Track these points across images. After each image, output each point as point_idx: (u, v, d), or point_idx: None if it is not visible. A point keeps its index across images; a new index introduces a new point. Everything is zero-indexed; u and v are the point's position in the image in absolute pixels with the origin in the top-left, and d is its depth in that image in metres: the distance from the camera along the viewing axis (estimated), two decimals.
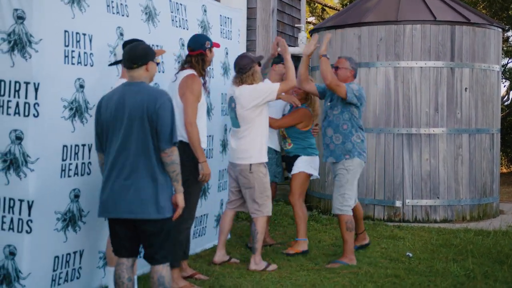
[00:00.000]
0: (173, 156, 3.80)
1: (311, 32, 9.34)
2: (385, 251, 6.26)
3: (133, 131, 3.75)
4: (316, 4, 17.98)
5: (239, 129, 5.49)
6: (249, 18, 9.73)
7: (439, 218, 7.92)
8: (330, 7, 17.96)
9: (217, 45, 5.06)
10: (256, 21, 9.74)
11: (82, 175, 4.43)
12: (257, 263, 5.52)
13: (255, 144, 5.44)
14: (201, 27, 5.87)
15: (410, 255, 6.06)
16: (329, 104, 5.78)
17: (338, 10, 15.08)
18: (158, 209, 3.78)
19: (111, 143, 3.82)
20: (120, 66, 4.75)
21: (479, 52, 8.17)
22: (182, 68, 4.94)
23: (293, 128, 6.16)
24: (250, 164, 5.45)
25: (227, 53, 6.34)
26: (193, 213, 5.03)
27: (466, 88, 8.07)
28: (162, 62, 5.08)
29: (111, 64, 4.63)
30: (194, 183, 4.88)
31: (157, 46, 5.12)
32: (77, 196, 4.39)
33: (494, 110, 8.41)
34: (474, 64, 8.11)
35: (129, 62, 3.82)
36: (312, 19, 19.71)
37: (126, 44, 4.33)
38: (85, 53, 4.39)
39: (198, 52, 4.90)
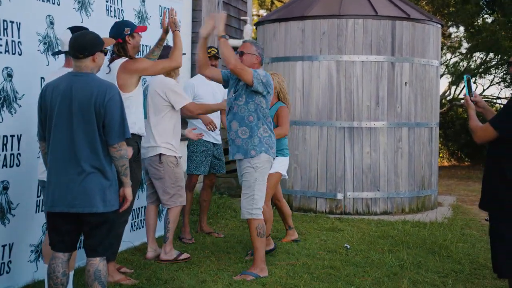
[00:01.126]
0: (122, 150, 3.77)
1: (256, 25, 9.35)
2: (324, 243, 6.32)
3: (80, 124, 3.66)
4: None
5: (146, 120, 5.49)
6: (195, 9, 9.67)
7: (379, 211, 8.05)
8: (279, 1, 18.01)
9: (142, 29, 4.94)
10: (202, 12, 9.68)
11: (11, 166, 4.31)
12: (167, 252, 5.51)
13: (164, 135, 5.46)
14: (138, 17, 5.79)
15: (348, 246, 6.14)
16: (233, 94, 5.14)
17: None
18: (105, 203, 3.73)
19: (55, 133, 3.71)
20: (50, 55, 4.64)
21: (419, 47, 8.33)
22: (112, 59, 4.86)
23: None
24: (160, 154, 5.45)
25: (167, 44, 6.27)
26: (130, 206, 4.97)
27: (406, 83, 8.21)
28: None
29: (55, 53, 4.52)
30: (131, 176, 4.82)
31: None
32: (5, 188, 4.28)
33: (433, 104, 8.59)
34: (414, 59, 8.25)
35: (75, 51, 3.71)
36: (262, 11, 19.74)
37: (75, 30, 4.17)
38: (13, 41, 4.27)
39: (117, 41, 4.81)
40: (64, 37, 4.22)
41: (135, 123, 4.75)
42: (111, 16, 5.38)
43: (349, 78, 8.07)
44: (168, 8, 6.34)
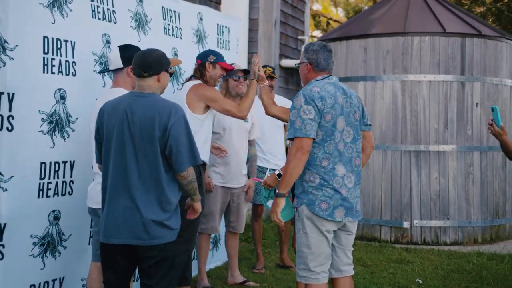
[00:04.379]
0: (189, 176, 3.43)
1: None
2: (393, 277, 5.84)
3: (141, 149, 3.35)
4: (321, 17, 17.68)
5: None
6: (251, 29, 9.40)
7: (449, 240, 7.50)
8: (335, 21, 17.67)
9: (226, 66, 4.75)
10: (258, 32, 9.41)
11: (62, 195, 4.04)
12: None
13: None
14: (197, 36, 5.51)
15: (420, 281, 5.64)
16: None
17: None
18: (165, 233, 3.38)
19: (113, 157, 3.40)
20: (107, 75, 4.38)
21: (491, 65, 7.80)
22: (189, 79, 4.76)
23: None
24: None
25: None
26: (195, 234, 4.72)
27: (477, 103, 7.68)
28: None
29: (100, 72, 4.26)
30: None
31: None
32: (57, 218, 4.00)
33: (506, 126, 8.01)
34: (485, 78, 7.73)
35: (139, 69, 3.41)
36: (317, 33, 19.42)
37: (123, 49, 3.95)
38: (66, 61, 4.02)
39: (197, 63, 4.75)
40: (112, 55, 3.95)
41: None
42: (169, 35, 5.11)
43: (415, 99, 7.60)
44: (226, 27, 6.07)
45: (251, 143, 5.45)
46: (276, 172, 4.22)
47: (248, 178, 5.39)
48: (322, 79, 3.78)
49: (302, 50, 4.00)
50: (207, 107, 4.59)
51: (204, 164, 4.60)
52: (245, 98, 4.65)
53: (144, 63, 3.42)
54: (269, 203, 4.35)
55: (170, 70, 3.55)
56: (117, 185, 3.38)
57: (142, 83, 3.45)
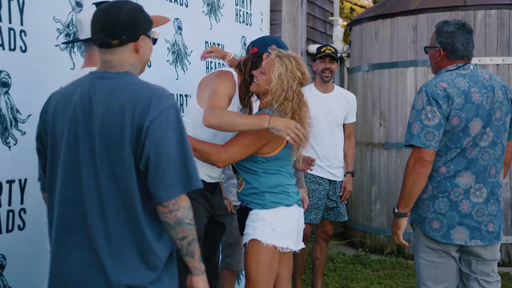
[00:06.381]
0: (178, 212, 2.04)
1: (350, 25, 7.64)
2: None
3: (105, 163, 2.02)
4: (344, 3, 16.24)
5: None
6: (273, 10, 8.09)
7: None
8: (361, 6, 16.26)
9: None
10: (282, 13, 8.08)
11: (9, 231, 2.74)
12: None
13: None
14: (208, 4, 4.17)
15: None
16: None
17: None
18: None
19: (61, 178, 2.07)
20: (77, 52, 3.04)
21: None
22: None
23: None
24: None
25: (244, 43, 4.65)
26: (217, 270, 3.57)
27: None
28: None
29: (66, 43, 2.94)
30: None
31: None
32: (0, 267, 2.69)
33: None
34: None
35: (104, 34, 2.11)
36: (339, 21, 18.03)
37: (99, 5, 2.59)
38: (11, 29, 2.70)
39: (253, 51, 3.22)
40: (84, 16, 2.59)
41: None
42: (171, 1, 3.78)
43: None
44: None
45: None
46: None
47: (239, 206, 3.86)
48: (453, 69, 3.10)
49: (436, 28, 3.23)
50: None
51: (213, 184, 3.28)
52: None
53: (111, 23, 2.08)
54: None
55: (152, 35, 2.20)
56: (67, 224, 2.05)
57: (110, 56, 2.11)
